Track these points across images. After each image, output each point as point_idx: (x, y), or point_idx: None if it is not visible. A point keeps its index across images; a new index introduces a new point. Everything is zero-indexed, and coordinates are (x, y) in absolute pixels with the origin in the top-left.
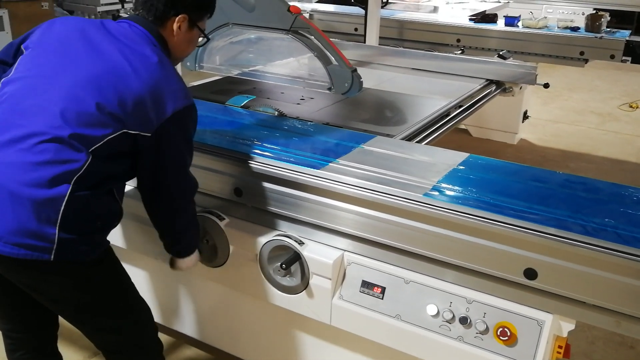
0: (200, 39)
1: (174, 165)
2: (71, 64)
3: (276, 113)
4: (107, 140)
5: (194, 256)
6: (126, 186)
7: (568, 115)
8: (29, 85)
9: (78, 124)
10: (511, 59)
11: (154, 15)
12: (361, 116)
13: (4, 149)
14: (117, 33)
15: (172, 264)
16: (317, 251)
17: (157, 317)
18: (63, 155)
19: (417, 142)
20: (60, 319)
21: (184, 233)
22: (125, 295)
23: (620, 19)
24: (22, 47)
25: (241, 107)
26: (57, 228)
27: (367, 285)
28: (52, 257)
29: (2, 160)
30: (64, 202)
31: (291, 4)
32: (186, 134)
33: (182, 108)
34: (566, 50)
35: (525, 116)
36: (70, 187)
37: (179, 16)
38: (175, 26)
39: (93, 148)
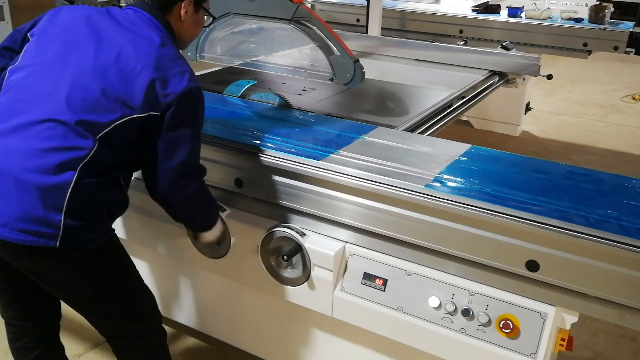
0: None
1: (182, 144)
2: (77, 52)
3: (277, 102)
4: (114, 127)
5: (216, 228)
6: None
7: (571, 107)
8: (35, 73)
9: (84, 110)
10: (514, 50)
11: (160, 2)
12: (363, 107)
13: (10, 136)
14: (122, 19)
15: (196, 238)
16: (319, 243)
17: None
18: (69, 142)
19: (419, 133)
20: (63, 310)
21: (197, 214)
22: (129, 283)
23: (623, 10)
24: (28, 34)
25: (241, 94)
26: (63, 215)
27: (368, 277)
28: (58, 243)
29: (8, 147)
30: (70, 189)
31: None
32: (194, 114)
33: (190, 88)
34: (569, 41)
35: (528, 108)
36: (76, 174)
37: (184, 1)
38: (182, 11)
39: (100, 135)
